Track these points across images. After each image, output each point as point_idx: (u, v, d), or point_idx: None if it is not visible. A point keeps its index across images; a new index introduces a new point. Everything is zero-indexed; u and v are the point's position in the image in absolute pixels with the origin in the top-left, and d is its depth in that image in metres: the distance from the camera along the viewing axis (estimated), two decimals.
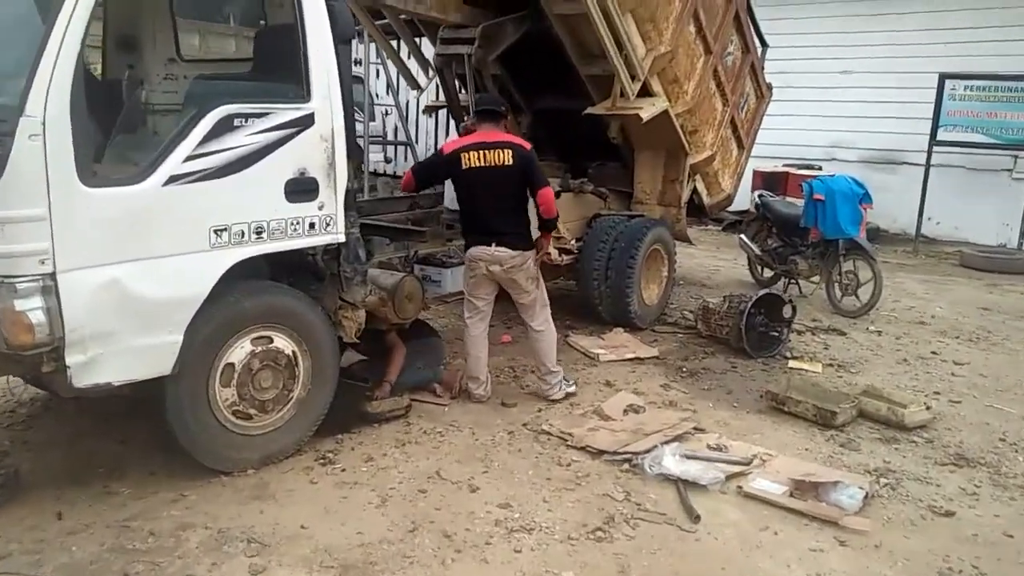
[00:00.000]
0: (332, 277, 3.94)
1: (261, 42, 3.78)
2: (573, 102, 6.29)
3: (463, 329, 4.77)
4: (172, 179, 3.04)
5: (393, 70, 10.94)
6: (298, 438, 3.80)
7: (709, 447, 4.07)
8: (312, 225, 3.63)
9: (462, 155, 4.38)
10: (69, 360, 2.86)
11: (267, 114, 3.36)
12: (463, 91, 6.17)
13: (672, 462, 3.77)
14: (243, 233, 3.34)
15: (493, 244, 4.42)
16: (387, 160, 16.67)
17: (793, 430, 4.48)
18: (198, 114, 3.15)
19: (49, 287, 2.74)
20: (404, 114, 12.83)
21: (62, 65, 2.67)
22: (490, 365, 5.27)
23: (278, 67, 3.62)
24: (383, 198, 6.14)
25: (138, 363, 3.11)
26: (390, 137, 16.13)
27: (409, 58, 7.08)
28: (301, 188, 3.54)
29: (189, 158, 3.09)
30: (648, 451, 3.90)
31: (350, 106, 3.78)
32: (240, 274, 3.47)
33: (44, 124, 2.63)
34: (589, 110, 6.14)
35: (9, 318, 2.69)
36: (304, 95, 3.53)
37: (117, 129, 3.32)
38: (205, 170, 3.14)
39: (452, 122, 6.64)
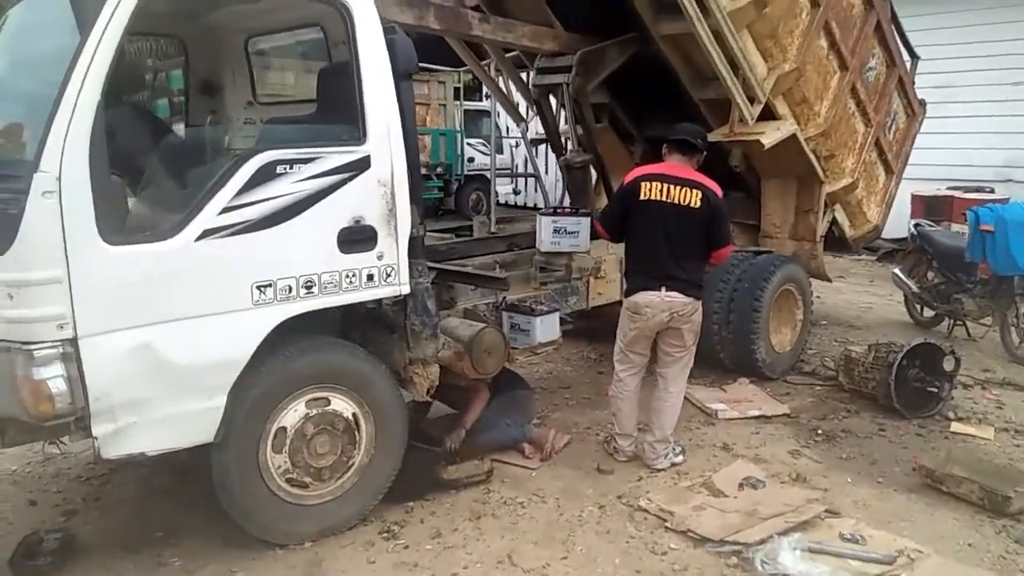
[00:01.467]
0: (401, 331, 3.62)
1: (321, 81, 3.56)
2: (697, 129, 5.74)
3: (613, 387, 4.33)
4: (206, 233, 2.82)
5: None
6: (360, 508, 3.47)
7: (842, 537, 3.35)
8: (371, 277, 3.32)
9: (642, 184, 3.96)
10: (96, 430, 2.68)
11: (315, 159, 3.10)
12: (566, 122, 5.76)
13: (791, 559, 3.10)
14: (290, 288, 3.07)
15: (663, 289, 3.94)
16: (516, 192, 16.63)
17: (954, 517, 3.64)
18: (236, 162, 2.93)
19: (69, 353, 2.56)
20: (533, 146, 12.62)
21: (80, 116, 2.51)
22: (592, 420, 4.79)
23: (335, 107, 3.38)
24: (479, 238, 5.78)
25: (175, 431, 2.89)
26: (520, 170, 16.12)
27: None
28: (356, 237, 3.25)
29: (226, 210, 2.86)
30: (762, 542, 3.24)
31: (414, 147, 3.47)
32: (297, 329, 3.23)
33: (60, 180, 2.47)
34: None
35: (28, 387, 2.54)
36: (359, 136, 3.25)
37: (147, 182, 3.18)
38: (245, 222, 2.91)
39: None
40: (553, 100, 5.87)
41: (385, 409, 3.47)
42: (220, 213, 2.85)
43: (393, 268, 3.39)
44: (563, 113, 5.63)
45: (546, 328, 4.35)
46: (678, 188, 3.91)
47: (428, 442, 3.94)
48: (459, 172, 15.06)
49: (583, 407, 5.13)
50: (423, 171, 14.20)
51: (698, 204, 3.89)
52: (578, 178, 5.56)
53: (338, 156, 3.17)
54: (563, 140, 5.85)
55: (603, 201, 6.30)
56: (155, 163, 3.25)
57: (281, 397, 3.18)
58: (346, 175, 3.19)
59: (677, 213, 3.89)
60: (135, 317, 2.70)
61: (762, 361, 5.56)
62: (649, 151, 6.65)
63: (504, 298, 4.48)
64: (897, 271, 7.47)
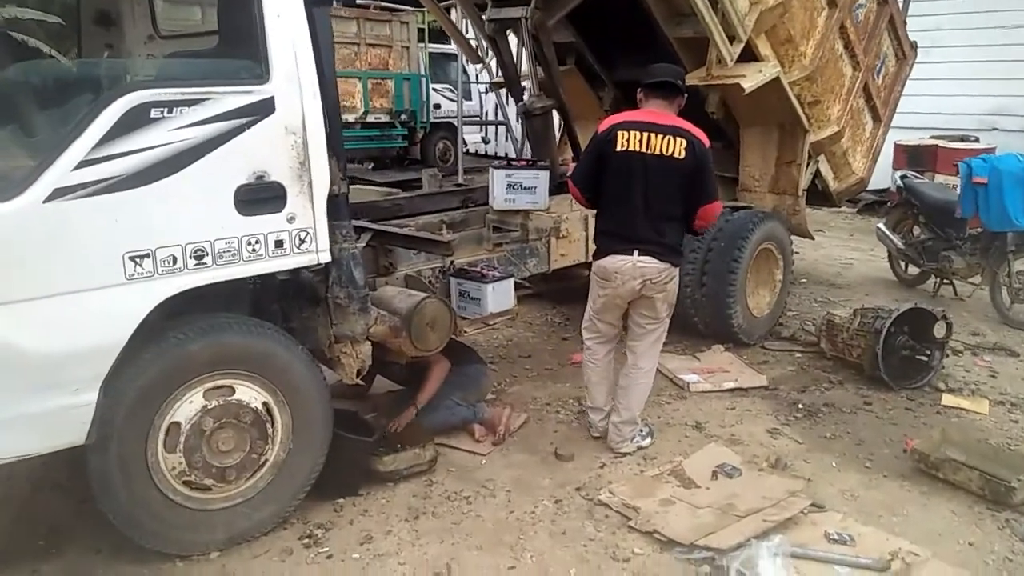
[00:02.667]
0: (324, 305, 3.11)
1: (220, 9, 2.97)
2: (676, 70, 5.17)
3: (584, 351, 3.87)
4: (59, 193, 2.26)
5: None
6: (277, 511, 2.99)
7: (828, 538, 2.95)
8: (280, 243, 2.78)
9: (618, 134, 3.45)
10: None
11: (202, 101, 2.53)
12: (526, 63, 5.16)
13: (771, 567, 2.69)
14: (174, 259, 2.53)
15: (636, 253, 3.48)
16: (485, 140, 15.93)
17: (951, 509, 3.26)
18: (97, 105, 2.35)
19: None
20: (492, 91, 11.98)
21: None
22: (554, 395, 4.34)
23: (236, 40, 2.80)
24: (429, 193, 5.23)
25: (32, 433, 2.38)
26: (490, 117, 15.41)
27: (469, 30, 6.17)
28: (259, 196, 2.70)
29: (84, 164, 2.30)
30: (738, 547, 2.83)
31: (333, 88, 2.91)
32: (195, 306, 2.71)
33: None
34: None
35: None
36: (261, 74, 2.68)
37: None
38: (109, 179, 2.35)
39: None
40: (513, 38, 5.26)
41: (303, 396, 2.97)
42: (76, 168, 2.28)
43: (308, 232, 2.86)
44: (524, 53, 5.02)
45: (499, 296, 3.84)
46: (660, 137, 3.41)
47: (364, 430, 3.45)
48: (424, 120, 14.34)
49: (544, 379, 4.67)
50: (385, 118, 13.72)
51: (682, 155, 3.40)
52: (538, 127, 5.00)
53: (232, 97, 2.60)
54: (522, 84, 5.26)
55: (568, 154, 5.77)
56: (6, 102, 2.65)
57: (172, 388, 2.66)
58: (243, 121, 2.62)
59: (659, 166, 3.41)
60: None
61: (738, 326, 5.14)
62: (620, 97, 6.11)
63: (452, 262, 3.96)
64: (881, 226, 7.05)
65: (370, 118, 13.33)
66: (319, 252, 2.90)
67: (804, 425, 4.10)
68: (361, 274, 3.08)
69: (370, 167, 14.74)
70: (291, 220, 2.80)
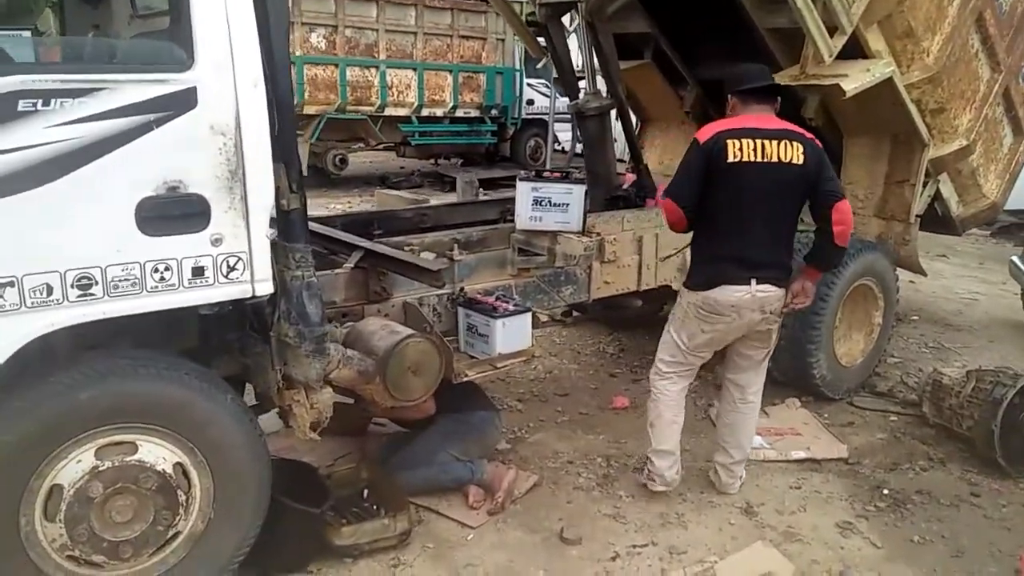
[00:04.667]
0: (267, 344, 2.57)
1: None
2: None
3: (652, 385, 3.32)
4: None
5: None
6: None
7: None
8: (199, 271, 2.24)
9: (729, 143, 2.96)
10: None
11: (91, 91, 2.01)
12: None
13: None
14: (49, 289, 2.03)
15: (754, 282, 3.02)
16: (579, 139, 15.19)
17: None
18: None
19: None
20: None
21: None
22: (579, 450, 3.67)
23: (173, 17, 2.28)
24: (460, 203, 4.62)
25: None
26: None
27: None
28: (171, 212, 2.17)
29: None
30: None
31: (285, 76, 2.35)
32: (98, 340, 2.24)
33: None
34: None
35: None
36: (183, 59, 2.14)
37: None
38: None
39: None
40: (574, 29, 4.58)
41: (229, 456, 2.43)
42: None
43: (240, 258, 2.30)
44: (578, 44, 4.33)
45: (510, 334, 3.18)
46: (775, 143, 2.97)
47: (317, 490, 2.89)
48: (516, 115, 13.77)
49: (575, 427, 3.99)
50: (475, 113, 13.22)
51: (802, 159, 2.98)
52: (592, 130, 4.29)
53: (135, 88, 2.07)
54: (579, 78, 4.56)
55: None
56: None
57: (55, 443, 2.17)
58: (150, 117, 2.09)
59: (778, 176, 3.00)
60: None
61: (821, 377, 4.28)
62: (703, 96, 5.30)
63: (462, 289, 3.35)
64: (1016, 259, 5.97)
65: (459, 112, 12.88)
66: (255, 282, 2.35)
67: (887, 520, 3.24)
68: (316, 308, 2.51)
69: (458, 163, 14.36)
70: (216, 242, 2.25)
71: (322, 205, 10.56)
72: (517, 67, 13.47)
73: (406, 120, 12.35)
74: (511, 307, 3.22)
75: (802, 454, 3.74)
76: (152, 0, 3.19)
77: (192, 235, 2.21)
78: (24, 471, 2.14)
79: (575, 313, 5.40)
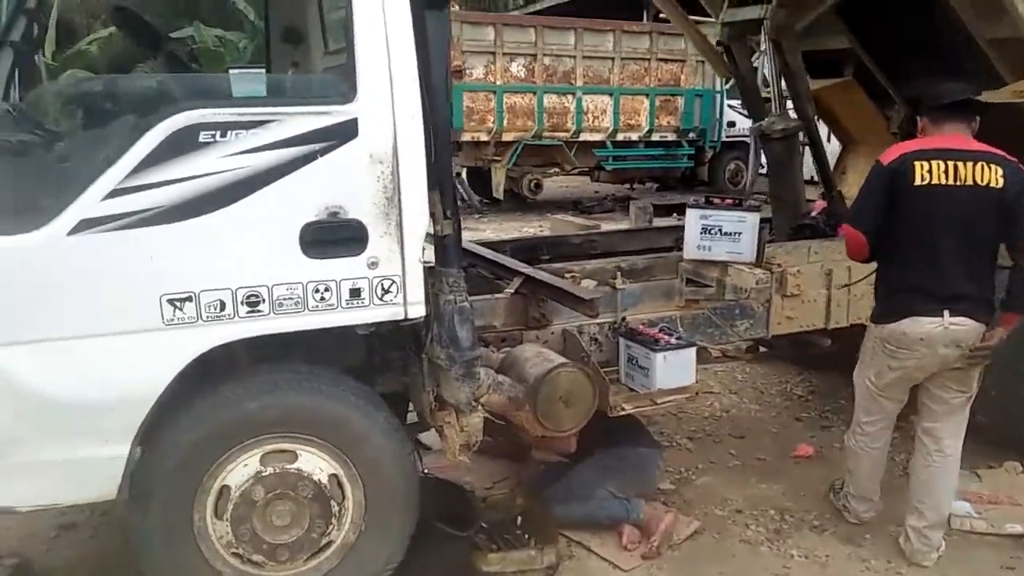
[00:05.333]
0: (420, 367, 2.62)
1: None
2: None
3: (852, 438, 3.19)
4: (85, 224, 2.04)
5: None
6: None
7: None
8: (356, 293, 2.34)
9: (915, 164, 2.78)
10: None
11: (264, 123, 2.17)
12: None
13: None
14: (222, 305, 2.20)
15: (946, 314, 2.78)
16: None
17: None
18: (138, 127, 2.10)
19: None
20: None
21: None
22: (751, 499, 3.40)
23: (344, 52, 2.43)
24: (633, 230, 4.48)
25: (57, 483, 2.20)
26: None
27: None
28: (332, 236, 2.28)
29: (115, 193, 2.05)
30: None
31: (442, 107, 2.40)
32: (268, 354, 2.41)
33: None
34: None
35: None
36: (346, 92, 2.26)
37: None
38: (145, 211, 2.08)
39: None
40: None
41: (381, 472, 2.50)
42: (107, 198, 2.05)
43: (395, 281, 2.38)
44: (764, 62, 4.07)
45: (671, 369, 3.02)
46: (970, 165, 2.74)
47: (465, 515, 2.89)
48: (715, 138, 13.35)
49: (749, 474, 3.69)
50: (671, 136, 12.96)
51: (1000, 183, 2.73)
52: (779, 153, 4.00)
53: (303, 119, 2.21)
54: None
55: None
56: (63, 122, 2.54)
57: (225, 447, 2.35)
58: (315, 147, 2.22)
59: (973, 200, 2.76)
60: None
61: None
62: (910, 117, 4.77)
63: (624, 318, 3.24)
64: None
65: (654, 136, 12.73)
66: (408, 305, 2.41)
67: None
68: (467, 333, 2.52)
69: (653, 188, 14.16)
70: (372, 265, 2.34)
71: (515, 228, 10.87)
72: (718, 89, 13.06)
73: (601, 145, 12.41)
74: (674, 340, 3.07)
75: (1020, 528, 3.19)
76: (340, 38, 3.44)
77: (350, 258, 2.31)
78: (199, 470, 2.33)
79: (761, 348, 5.04)
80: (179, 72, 3.26)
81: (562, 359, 2.82)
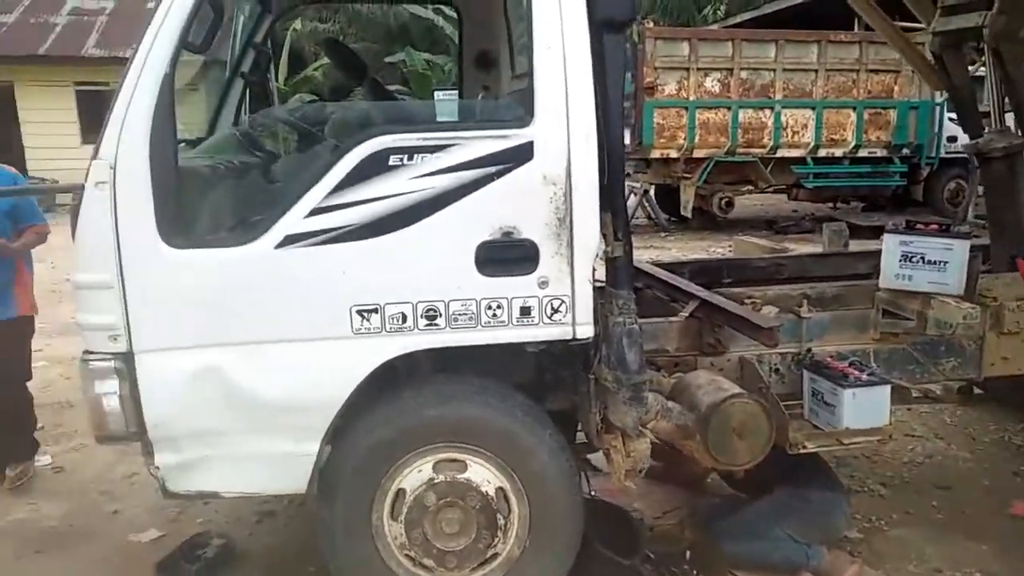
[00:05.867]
0: (587, 387, 2.62)
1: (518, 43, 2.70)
2: None
3: None
4: (290, 240, 2.25)
5: None
6: None
7: None
8: (526, 311, 2.39)
9: None
10: (158, 459, 2.35)
11: (446, 147, 2.28)
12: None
13: None
14: (404, 317, 2.34)
15: None
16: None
17: None
18: (337, 152, 2.28)
19: (122, 369, 2.25)
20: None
21: (142, 91, 2.15)
22: (950, 558, 3.08)
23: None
24: (825, 254, 4.17)
25: (255, 474, 2.43)
26: None
27: None
28: (505, 255, 2.35)
29: (316, 212, 2.24)
30: None
31: (616, 130, 2.40)
32: (445, 364, 2.54)
33: (114, 168, 2.15)
34: None
35: (87, 400, 2.31)
36: (523, 115, 2.33)
37: (229, 173, 2.68)
38: (340, 228, 2.25)
39: None
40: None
41: (546, 489, 2.53)
42: (308, 216, 2.25)
43: (564, 301, 2.40)
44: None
45: (862, 408, 2.79)
46: None
47: (628, 539, 2.84)
48: (932, 154, 12.18)
49: (950, 530, 3.31)
50: (881, 152, 11.97)
51: None
52: (997, 174, 3.56)
53: (481, 143, 2.30)
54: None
55: None
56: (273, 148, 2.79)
57: (403, 452, 2.49)
58: (492, 169, 2.30)
59: None
60: (202, 335, 2.28)
61: None
62: None
63: (809, 350, 3.04)
64: None
65: (861, 152, 11.85)
66: (576, 325, 2.43)
67: None
68: (636, 356, 2.48)
69: (859, 208, 13.16)
70: (543, 285, 2.38)
71: (702, 248, 10.57)
72: (937, 100, 11.91)
73: (800, 161, 11.75)
74: (866, 376, 2.83)
75: None
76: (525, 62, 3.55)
77: (522, 277, 2.37)
78: (378, 472, 2.48)
79: (975, 391, 4.52)
80: (381, 97, 3.51)
81: (737, 389, 2.70)
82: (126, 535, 3.35)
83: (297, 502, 3.53)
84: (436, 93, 3.53)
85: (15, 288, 3.74)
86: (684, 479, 3.54)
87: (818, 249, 4.72)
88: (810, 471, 3.11)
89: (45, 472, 4.00)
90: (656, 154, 11.30)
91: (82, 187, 2.17)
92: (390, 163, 2.26)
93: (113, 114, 2.16)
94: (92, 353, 2.26)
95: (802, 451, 2.83)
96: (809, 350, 3.04)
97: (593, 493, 2.92)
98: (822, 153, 11.73)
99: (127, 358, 2.25)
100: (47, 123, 15.81)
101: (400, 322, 2.34)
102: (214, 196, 2.51)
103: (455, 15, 4.20)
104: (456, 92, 4.01)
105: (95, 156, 2.16)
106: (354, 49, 3.71)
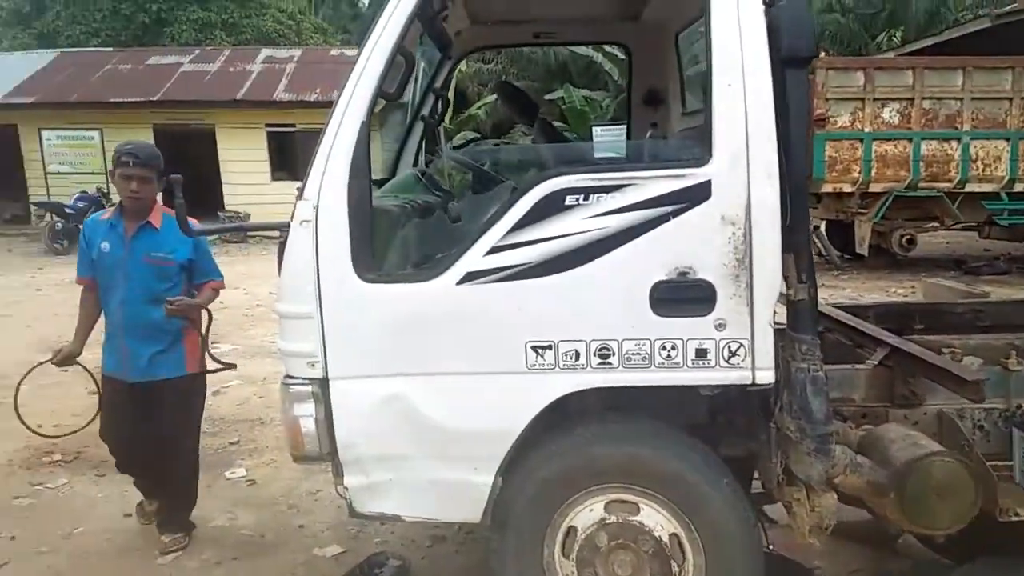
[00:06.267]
0: (766, 436, 2.51)
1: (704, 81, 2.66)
2: None
3: None
4: (470, 276, 2.32)
5: None
6: None
7: None
8: (702, 353, 2.33)
9: None
10: (347, 481, 2.48)
11: (621, 187, 2.29)
12: None
13: None
14: (577, 355, 2.35)
15: None
16: None
17: None
18: (515, 193, 2.34)
19: (318, 394, 2.41)
20: None
21: (342, 138, 2.31)
22: None
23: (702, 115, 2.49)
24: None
25: (433, 501, 2.51)
26: None
27: None
28: (680, 296, 2.30)
29: (494, 250, 2.31)
30: None
31: (799, 166, 2.32)
32: (619, 403, 2.53)
33: (317, 208, 2.32)
34: None
35: (285, 421, 2.48)
36: (700, 155, 2.30)
37: (417, 213, 2.76)
38: (516, 267, 2.30)
39: None
40: None
41: (723, 540, 2.44)
42: (488, 253, 2.32)
43: (742, 344, 2.32)
44: None
45: None
46: None
47: None
48: None
49: None
50: (1006, 189, 10.54)
51: None
52: None
53: (657, 183, 2.28)
54: None
55: None
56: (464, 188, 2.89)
57: (574, 489, 2.49)
58: (668, 209, 2.28)
59: None
60: (389, 365, 2.40)
61: None
62: None
63: (1020, 406, 2.75)
64: None
65: (1018, 187, 10.63)
66: (756, 369, 2.34)
67: None
68: (821, 405, 2.36)
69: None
70: (720, 327, 2.32)
71: (880, 289, 9.90)
72: None
73: (993, 197, 10.75)
74: None
75: None
76: (697, 100, 3.51)
77: (697, 318, 2.32)
78: (551, 507, 2.50)
79: None
80: (551, 137, 3.60)
81: (937, 446, 2.49)
82: (311, 549, 3.57)
83: (466, 530, 3.63)
84: (594, 128, 3.55)
85: (185, 344, 3.46)
86: (873, 537, 3.28)
87: (1019, 294, 4.28)
88: (1021, 541, 2.79)
89: (240, 484, 4.35)
90: (828, 188, 10.76)
91: (288, 225, 2.36)
92: (566, 203, 2.29)
93: (317, 158, 2.34)
94: (292, 378, 2.44)
95: (1014, 519, 2.55)
96: (1020, 406, 2.75)
97: (771, 547, 2.76)
98: (1020, 188, 10.67)
99: (323, 384, 2.41)
100: (242, 161, 17.51)
101: (573, 359, 2.36)
102: (401, 234, 2.66)
103: (625, 54, 4.24)
104: (620, 128, 4.03)
105: (300, 197, 2.35)
106: (526, 91, 3.82)
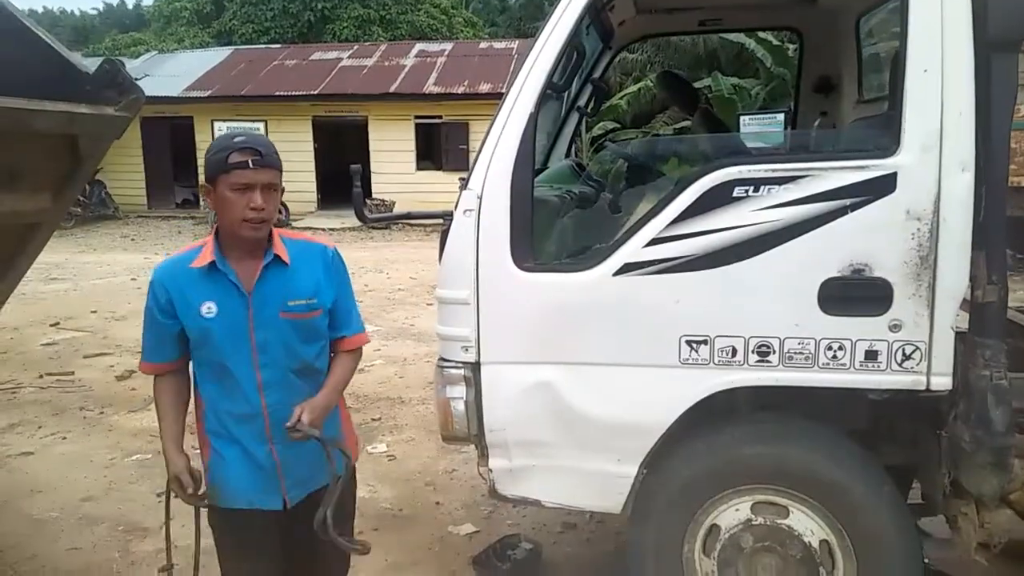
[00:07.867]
0: (936, 445, 2.35)
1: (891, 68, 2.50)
2: None
3: None
4: (627, 268, 2.29)
5: None
6: None
7: None
8: (872, 355, 2.20)
9: None
10: (491, 463, 2.52)
11: (796, 178, 2.19)
12: None
13: None
14: (733, 351, 2.28)
15: None
16: None
17: None
18: (680, 184, 2.29)
19: (470, 378, 2.45)
20: None
21: (509, 131, 2.34)
22: None
23: (891, 102, 2.36)
24: None
25: (574, 488, 2.50)
26: None
27: None
28: (853, 294, 2.18)
29: (654, 242, 2.27)
30: None
31: (1002, 160, 2.14)
32: (770, 401, 2.45)
33: (480, 198, 2.37)
34: None
35: (437, 402, 2.56)
36: (887, 145, 2.16)
37: (575, 203, 2.73)
38: (675, 259, 2.25)
39: None
40: None
41: (879, 550, 2.30)
42: (647, 245, 2.29)
43: (918, 347, 2.18)
44: None
45: None
46: None
47: None
48: None
49: None
50: None
51: None
52: None
53: (836, 174, 2.17)
54: None
55: None
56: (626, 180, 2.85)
57: (721, 487, 2.43)
58: (846, 202, 2.16)
59: None
60: (539, 352, 2.42)
61: None
62: None
63: None
64: None
65: None
66: (931, 375, 2.19)
67: None
68: (1003, 416, 2.18)
69: None
70: (894, 328, 2.18)
71: None
72: None
73: None
74: None
75: None
76: (876, 87, 3.30)
77: (870, 318, 2.19)
78: (694, 504, 2.45)
79: None
80: (713, 127, 3.50)
81: None
82: (445, 526, 3.68)
83: (597, 518, 3.63)
84: (741, 118, 3.42)
85: (341, 420, 2.32)
86: None
87: None
88: None
89: (381, 459, 4.54)
90: None
91: (451, 214, 2.43)
92: (734, 194, 2.22)
93: (484, 149, 2.39)
94: (447, 361, 2.51)
95: None
96: None
97: (927, 561, 2.59)
98: None
99: (475, 368, 2.46)
100: (391, 151, 18.25)
101: (729, 355, 2.29)
102: (558, 224, 2.67)
103: (796, 39, 4.05)
104: (774, 117, 3.86)
105: (464, 187, 2.41)
106: (688, 81, 3.72)
